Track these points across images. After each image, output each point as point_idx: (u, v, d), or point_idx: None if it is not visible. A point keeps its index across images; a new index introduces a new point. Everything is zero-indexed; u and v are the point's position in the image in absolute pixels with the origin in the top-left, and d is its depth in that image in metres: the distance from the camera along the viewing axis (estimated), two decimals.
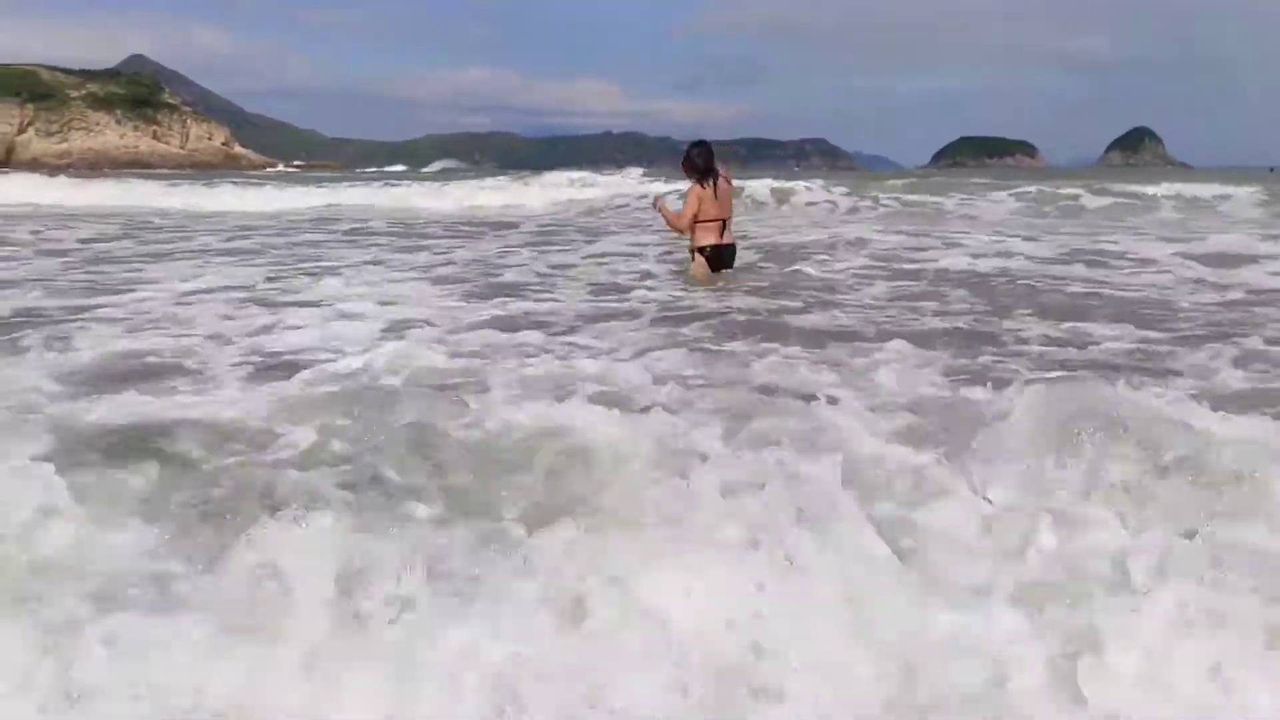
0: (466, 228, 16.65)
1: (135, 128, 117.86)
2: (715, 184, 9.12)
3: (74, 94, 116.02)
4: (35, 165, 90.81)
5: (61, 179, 26.00)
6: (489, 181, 34.98)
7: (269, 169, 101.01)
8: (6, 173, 29.26)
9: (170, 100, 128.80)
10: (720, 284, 8.83)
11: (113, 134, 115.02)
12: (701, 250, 9.26)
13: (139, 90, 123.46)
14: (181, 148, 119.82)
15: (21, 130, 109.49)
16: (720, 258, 9.31)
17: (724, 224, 9.31)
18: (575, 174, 34.86)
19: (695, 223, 9.20)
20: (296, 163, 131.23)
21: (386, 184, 34.15)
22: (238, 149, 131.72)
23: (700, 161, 9.20)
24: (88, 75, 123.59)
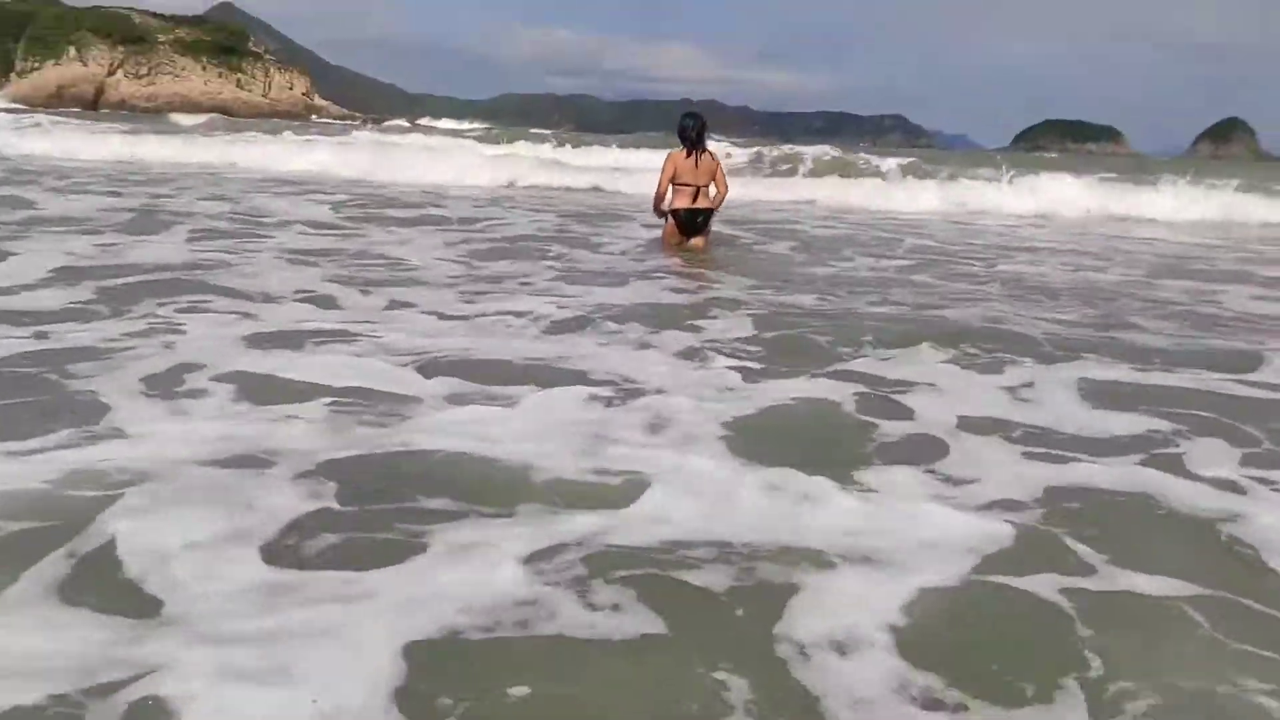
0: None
1: (220, 74, 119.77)
2: (698, 154, 9.61)
3: (162, 39, 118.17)
4: (123, 105, 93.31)
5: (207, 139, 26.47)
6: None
7: (348, 122, 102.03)
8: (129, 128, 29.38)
9: (255, 49, 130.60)
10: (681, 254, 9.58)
11: (198, 80, 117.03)
12: (674, 213, 9.77)
13: (225, 38, 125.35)
14: (264, 96, 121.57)
15: (111, 72, 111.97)
16: (690, 222, 9.76)
17: (698, 190, 9.69)
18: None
19: (672, 184, 9.67)
20: (376, 116, 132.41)
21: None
22: (318, 100, 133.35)
23: (692, 133, 9.69)
24: (176, 21, 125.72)
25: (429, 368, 4.66)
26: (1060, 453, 3.84)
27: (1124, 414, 4.38)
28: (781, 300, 7.14)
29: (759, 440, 3.79)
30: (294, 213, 11.83)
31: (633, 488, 3.24)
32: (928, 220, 15.60)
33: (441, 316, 5.96)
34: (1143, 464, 3.75)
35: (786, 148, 27.96)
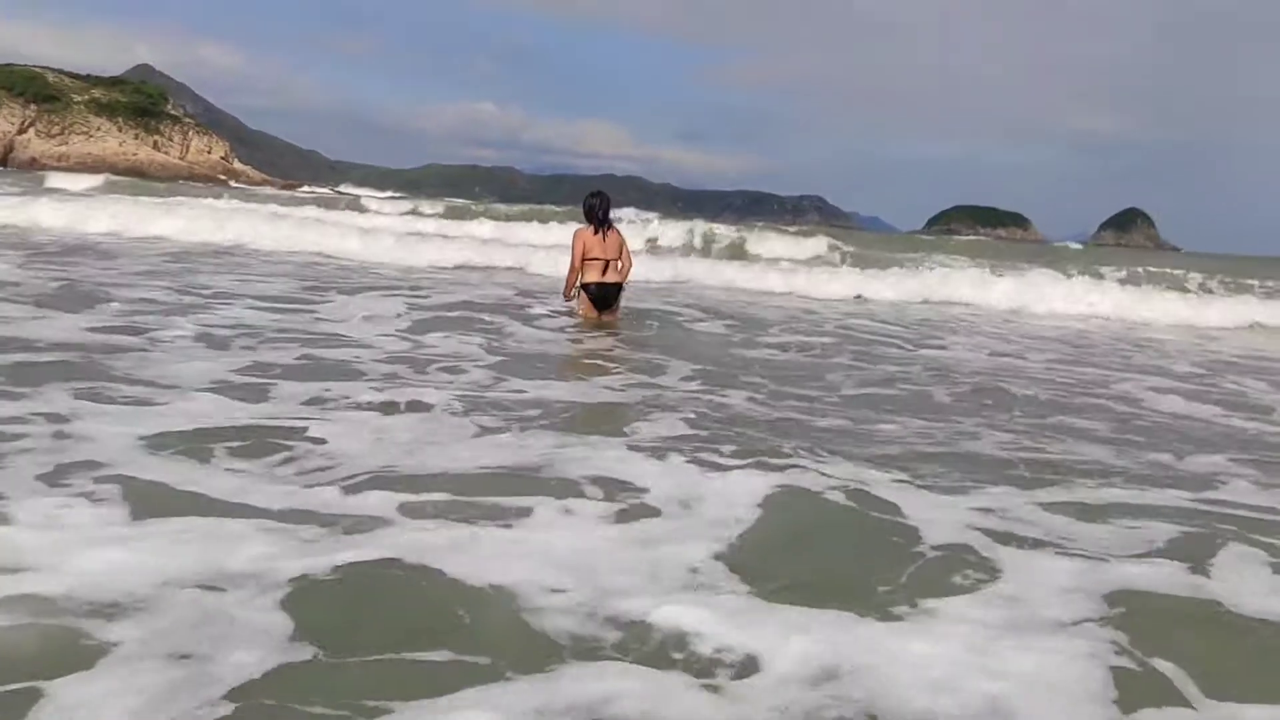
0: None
1: (136, 136, 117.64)
2: (605, 231, 10.05)
3: (78, 98, 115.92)
4: (33, 165, 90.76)
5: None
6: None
7: (262, 187, 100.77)
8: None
9: (173, 112, 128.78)
10: (600, 328, 9.89)
11: (113, 140, 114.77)
12: (586, 288, 10.14)
13: (142, 99, 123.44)
14: (181, 159, 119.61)
15: (22, 130, 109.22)
16: (603, 296, 10.11)
17: (607, 264, 10.09)
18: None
19: (583, 260, 10.05)
20: (291, 182, 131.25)
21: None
22: (237, 164, 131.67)
23: (599, 212, 10.10)
24: (94, 81, 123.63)
25: (369, 480, 4.12)
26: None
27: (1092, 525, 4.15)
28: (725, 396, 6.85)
29: (768, 563, 3.42)
30: (217, 286, 11.31)
31: (641, 636, 2.79)
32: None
33: (383, 410, 5.47)
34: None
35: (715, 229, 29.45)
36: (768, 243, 27.12)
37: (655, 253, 23.26)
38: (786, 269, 19.85)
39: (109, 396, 5.34)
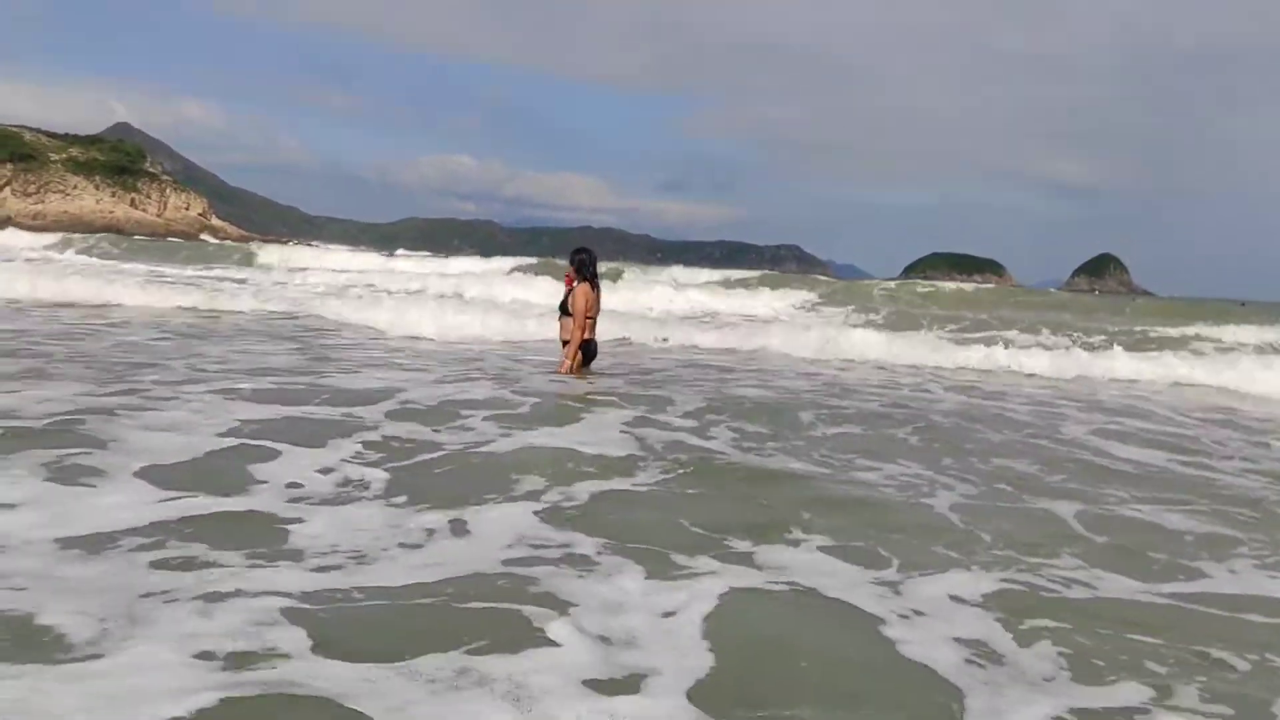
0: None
1: (113, 194, 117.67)
2: (598, 286, 10.21)
3: (55, 157, 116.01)
4: (9, 223, 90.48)
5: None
6: None
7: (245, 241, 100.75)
8: None
9: (151, 169, 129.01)
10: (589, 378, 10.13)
11: (90, 199, 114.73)
12: (588, 345, 10.26)
13: (120, 157, 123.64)
14: (159, 216, 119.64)
15: None
16: (590, 352, 10.34)
17: (594, 322, 10.33)
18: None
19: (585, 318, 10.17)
20: (269, 237, 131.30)
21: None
22: (215, 221, 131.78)
23: (591, 267, 10.21)
24: (71, 140, 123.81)
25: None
26: None
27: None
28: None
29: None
30: (185, 351, 11.23)
31: None
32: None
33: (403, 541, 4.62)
34: None
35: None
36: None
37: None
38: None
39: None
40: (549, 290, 22.71)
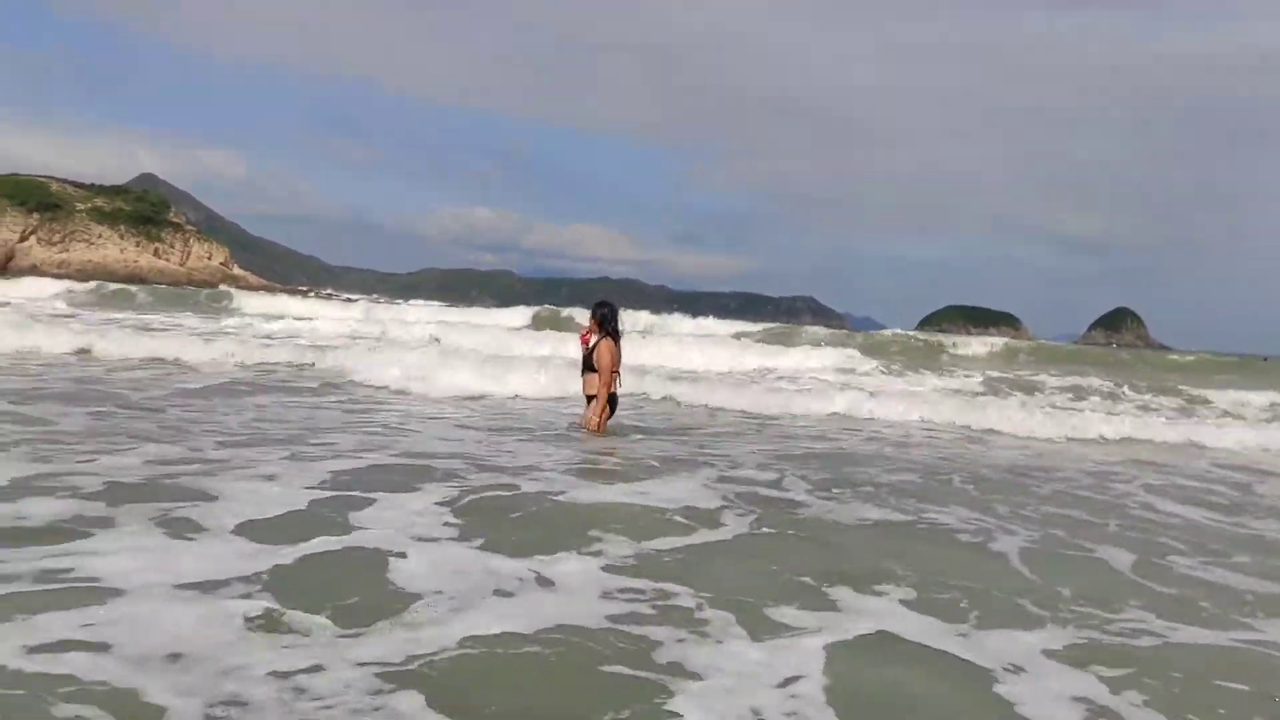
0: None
1: (137, 243, 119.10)
2: (619, 340, 10.25)
3: (80, 206, 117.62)
4: (34, 271, 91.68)
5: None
6: None
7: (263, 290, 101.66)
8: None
9: (174, 219, 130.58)
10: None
11: (114, 248, 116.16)
12: (612, 399, 10.28)
13: (144, 207, 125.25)
14: (181, 265, 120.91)
15: (24, 238, 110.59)
16: (613, 404, 10.36)
17: (619, 375, 10.38)
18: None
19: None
20: (289, 286, 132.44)
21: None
22: (237, 270, 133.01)
23: (613, 321, 10.22)
24: (96, 190, 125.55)
25: None
26: None
27: None
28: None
29: None
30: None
31: None
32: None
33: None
34: None
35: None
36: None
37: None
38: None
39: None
40: (559, 342, 22.77)
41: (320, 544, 5.22)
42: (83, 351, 16.79)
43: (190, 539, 5.20)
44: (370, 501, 6.21)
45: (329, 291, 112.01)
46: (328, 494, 6.42)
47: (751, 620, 4.47)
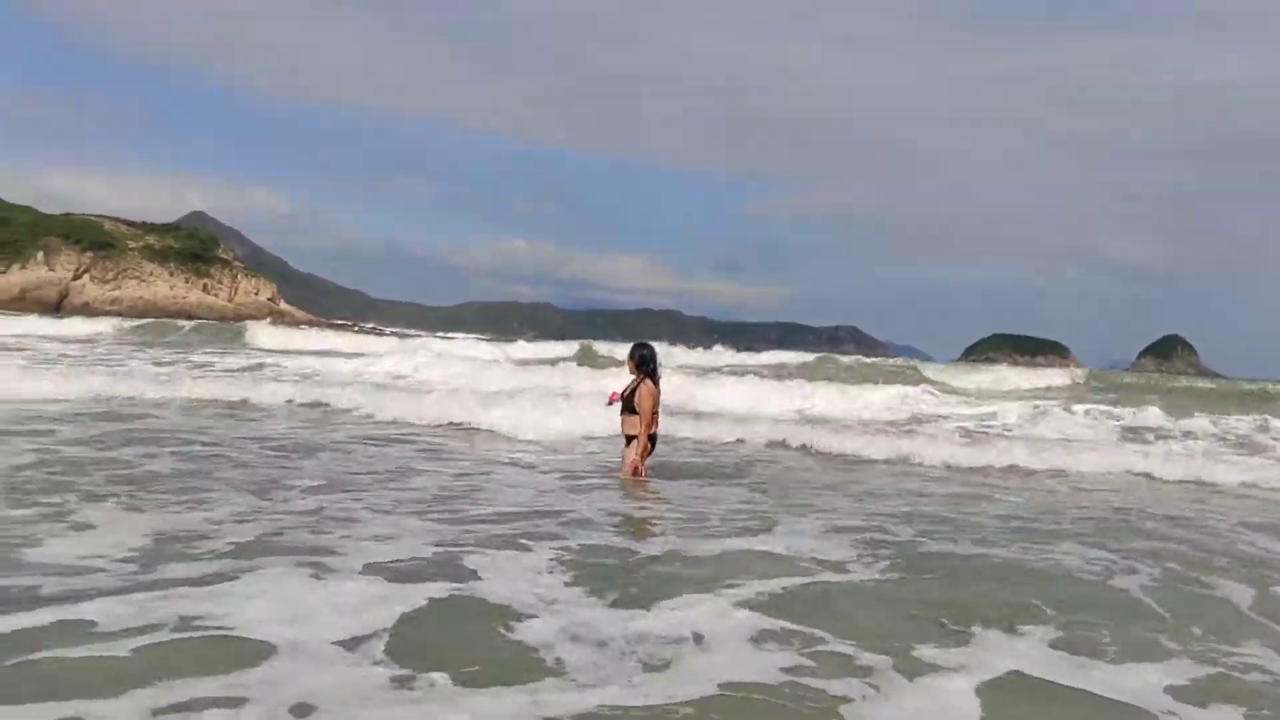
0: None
1: (186, 280, 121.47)
2: (658, 382, 10.16)
3: (132, 245, 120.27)
4: (87, 309, 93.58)
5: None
6: None
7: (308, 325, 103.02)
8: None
9: (223, 255, 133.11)
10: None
11: (164, 285, 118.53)
12: (651, 439, 10.15)
13: (194, 245, 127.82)
14: (229, 300, 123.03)
15: (77, 276, 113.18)
16: (654, 442, 10.29)
17: (657, 416, 10.23)
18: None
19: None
20: (335, 321, 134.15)
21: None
22: (283, 305, 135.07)
23: (652, 363, 10.14)
24: (148, 228, 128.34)
25: None
26: None
27: None
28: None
29: None
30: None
31: None
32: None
33: None
34: None
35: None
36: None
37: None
38: None
39: None
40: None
41: (445, 596, 5.23)
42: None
43: (317, 585, 5.27)
44: (484, 555, 6.17)
45: (372, 326, 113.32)
46: (440, 546, 6.36)
47: (906, 662, 4.57)
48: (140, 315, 74.64)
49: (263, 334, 44.58)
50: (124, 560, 5.55)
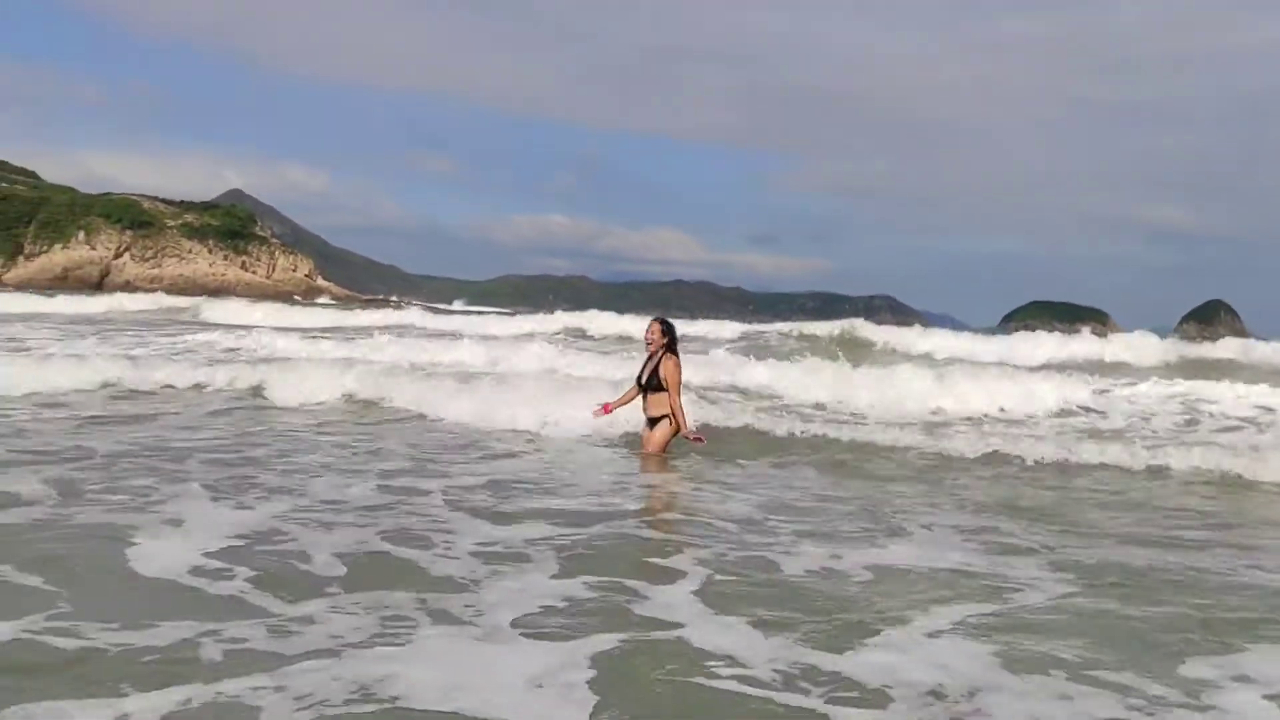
0: None
1: (225, 257, 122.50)
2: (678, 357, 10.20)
3: (171, 223, 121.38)
4: (128, 287, 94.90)
5: None
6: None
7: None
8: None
9: (261, 233, 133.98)
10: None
11: (203, 262, 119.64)
12: (662, 419, 10.15)
13: (232, 222, 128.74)
14: (267, 277, 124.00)
15: (118, 255, 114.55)
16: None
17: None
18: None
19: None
20: (370, 296, 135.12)
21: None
22: (321, 281, 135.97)
23: (673, 336, 10.24)
24: (186, 206, 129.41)
25: None
26: None
27: None
28: None
29: None
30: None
31: None
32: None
33: None
34: None
35: None
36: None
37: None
38: None
39: None
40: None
41: (610, 643, 4.60)
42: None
43: (469, 637, 4.67)
44: (630, 589, 5.48)
45: (410, 300, 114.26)
46: (572, 579, 5.68)
47: (1178, 682, 4.37)
48: (181, 293, 75.53)
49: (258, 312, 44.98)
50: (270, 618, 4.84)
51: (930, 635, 4.86)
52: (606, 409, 10.41)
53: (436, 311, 56.35)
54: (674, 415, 10.05)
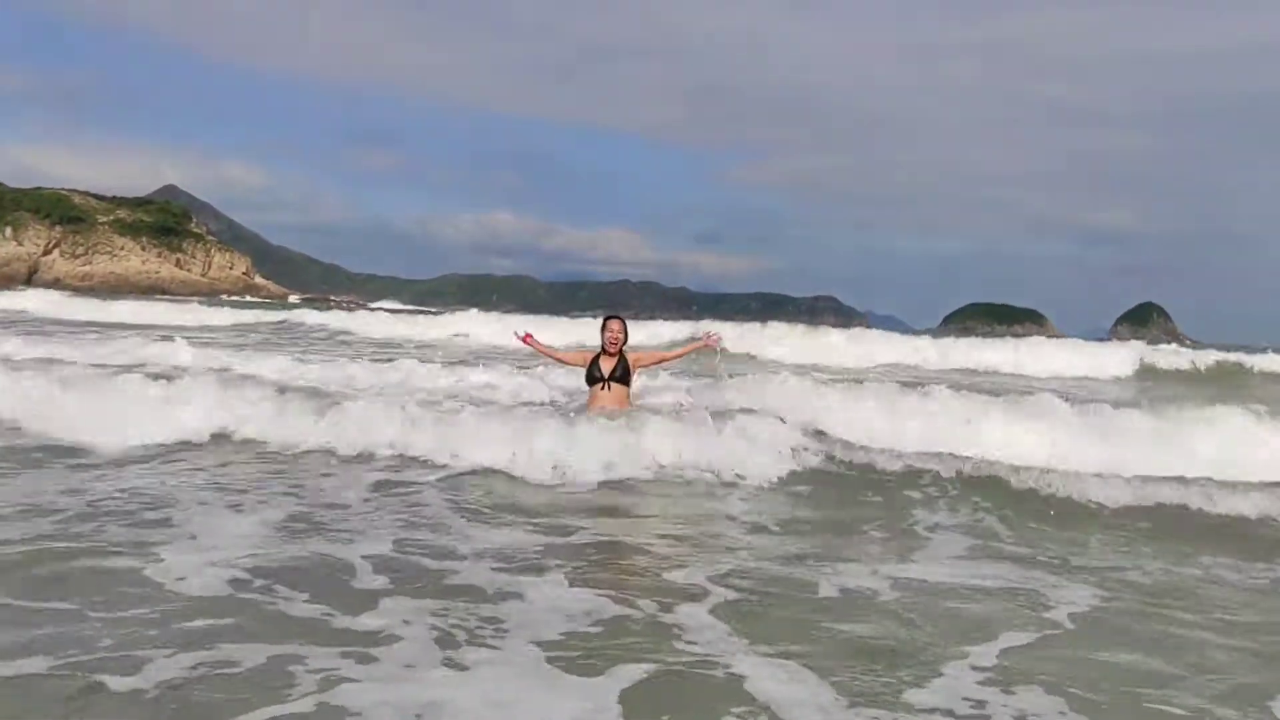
0: None
1: (159, 254, 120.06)
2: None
3: (103, 219, 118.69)
4: (57, 284, 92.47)
5: None
6: None
7: (285, 297, 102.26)
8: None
9: (196, 230, 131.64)
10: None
11: (136, 259, 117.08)
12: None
13: (166, 219, 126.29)
14: (203, 275, 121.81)
15: (47, 251, 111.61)
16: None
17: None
18: None
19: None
20: (308, 295, 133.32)
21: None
22: (258, 279, 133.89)
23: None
24: (119, 202, 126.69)
25: None
26: None
27: None
28: None
29: None
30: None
31: None
32: None
33: None
34: None
35: None
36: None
37: None
38: None
39: None
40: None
41: (641, 675, 4.14)
42: None
43: (486, 660, 4.23)
44: (664, 623, 4.86)
45: (352, 300, 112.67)
46: (598, 605, 5.04)
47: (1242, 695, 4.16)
48: (113, 290, 73.63)
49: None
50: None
51: (976, 668, 4.40)
52: (528, 339, 10.09)
53: (350, 309, 51.73)
54: (674, 357, 10.66)
